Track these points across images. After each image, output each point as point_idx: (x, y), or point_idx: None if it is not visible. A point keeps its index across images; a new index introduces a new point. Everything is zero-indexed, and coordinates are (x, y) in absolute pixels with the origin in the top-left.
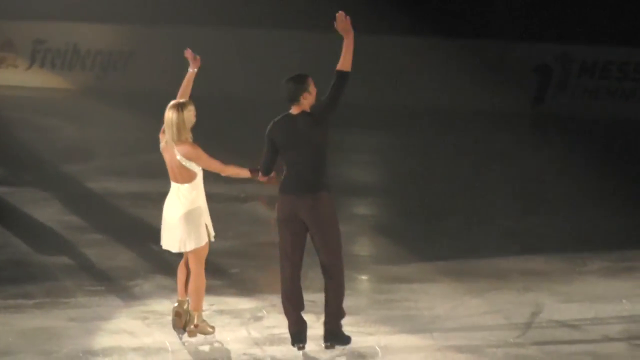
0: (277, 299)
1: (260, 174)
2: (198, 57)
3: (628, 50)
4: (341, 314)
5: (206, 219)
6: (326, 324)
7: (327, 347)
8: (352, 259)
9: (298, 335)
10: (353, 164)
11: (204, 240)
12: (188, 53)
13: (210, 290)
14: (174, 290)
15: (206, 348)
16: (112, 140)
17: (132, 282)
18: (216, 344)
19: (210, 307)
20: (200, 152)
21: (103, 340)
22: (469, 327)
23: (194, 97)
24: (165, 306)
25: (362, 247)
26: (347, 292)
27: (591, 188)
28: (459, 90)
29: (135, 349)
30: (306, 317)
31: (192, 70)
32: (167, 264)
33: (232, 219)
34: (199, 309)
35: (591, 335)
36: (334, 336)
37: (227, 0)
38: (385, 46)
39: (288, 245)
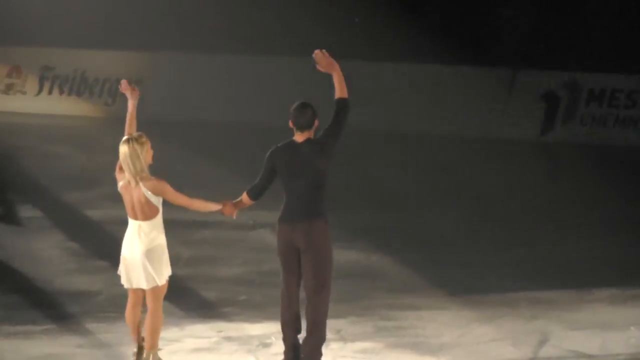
0: None
1: (222, 206)
2: (136, 88)
3: (636, 78)
4: (321, 343)
5: (166, 255)
6: (304, 352)
7: None
8: (360, 286)
9: None
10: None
11: (167, 277)
12: (124, 85)
13: (218, 316)
14: (181, 317)
15: None
16: None
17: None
18: None
19: (219, 333)
20: (167, 187)
21: None
22: (477, 355)
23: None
24: (174, 333)
25: (369, 274)
26: (355, 320)
27: (599, 215)
28: (467, 117)
29: None
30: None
31: (133, 102)
32: (173, 291)
33: (240, 246)
34: (155, 347)
35: None
36: None
37: (237, 28)
38: (389, 73)
39: (287, 272)
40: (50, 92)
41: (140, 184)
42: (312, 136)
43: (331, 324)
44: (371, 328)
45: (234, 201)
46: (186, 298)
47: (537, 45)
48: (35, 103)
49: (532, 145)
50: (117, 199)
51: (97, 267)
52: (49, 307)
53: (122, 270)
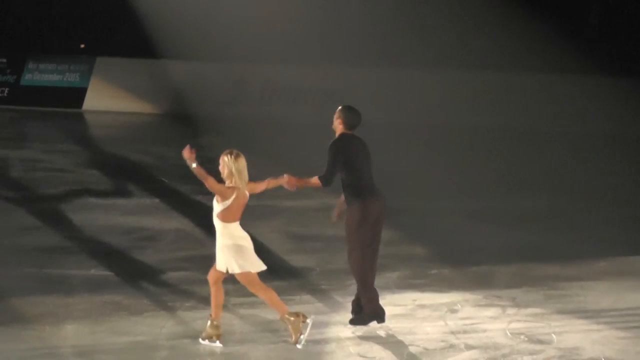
0: (469, 295)
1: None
2: (193, 150)
3: None
4: None
5: None
6: (360, 303)
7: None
8: (531, 261)
9: (382, 313)
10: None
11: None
12: (186, 152)
13: (413, 288)
14: (381, 288)
15: (408, 337)
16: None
17: (349, 281)
18: (417, 333)
19: (413, 302)
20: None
21: (326, 330)
22: (629, 317)
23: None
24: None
25: (538, 251)
26: (528, 289)
27: None
28: (626, 121)
29: (351, 339)
30: (491, 310)
31: (194, 166)
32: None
33: (431, 229)
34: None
35: None
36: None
37: (430, 44)
38: (566, 83)
39: (365, 247)
40: (270, 102)
41: (247, 190)
42: None
43: (507, 293)
44: (541, 296)
45: (298, 178)
46: (385, 273)
47: None
48: (258, 110)
49: None
50: (327, 191)
51: (310, 248)
52: (270, 281)
53: (255, 259)
